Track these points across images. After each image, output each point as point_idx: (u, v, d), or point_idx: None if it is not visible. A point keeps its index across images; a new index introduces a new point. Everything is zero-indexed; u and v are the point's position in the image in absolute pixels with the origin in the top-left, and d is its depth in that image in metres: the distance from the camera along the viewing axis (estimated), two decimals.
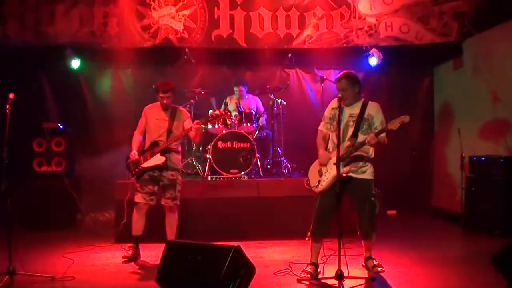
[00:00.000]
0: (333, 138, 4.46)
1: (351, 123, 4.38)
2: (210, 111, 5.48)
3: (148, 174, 5.13)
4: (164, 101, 5.17)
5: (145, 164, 5.12)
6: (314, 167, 4.54)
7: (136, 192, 5.18)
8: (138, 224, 5.18)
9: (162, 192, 5.17)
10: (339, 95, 4.31)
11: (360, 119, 4.36)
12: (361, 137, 4.31)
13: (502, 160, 6.06)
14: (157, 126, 5.20)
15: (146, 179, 5.13)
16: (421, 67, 8.14)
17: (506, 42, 6.29)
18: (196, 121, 5.17)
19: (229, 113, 5.68)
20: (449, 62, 7.64)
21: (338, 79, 4.45)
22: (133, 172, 5.18)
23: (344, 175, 4.22)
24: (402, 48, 7.20)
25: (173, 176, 5.16)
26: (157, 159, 5.08)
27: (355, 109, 4.41)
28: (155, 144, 5.16)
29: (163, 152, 5.10)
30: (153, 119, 5.23)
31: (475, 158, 6.48)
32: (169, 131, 5.18)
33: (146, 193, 5.12)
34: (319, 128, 4.61)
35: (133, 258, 5.07)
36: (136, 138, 5.30)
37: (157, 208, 5.23)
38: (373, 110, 4.41)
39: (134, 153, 5.17)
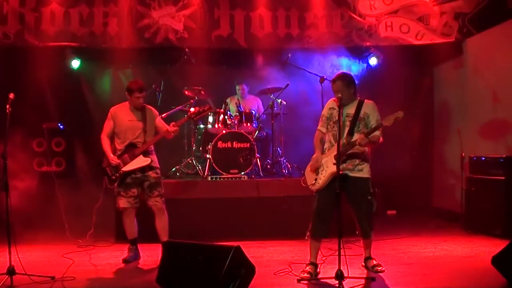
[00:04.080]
0: (329, 137, 4.47)
1: (347, 122, 4.37)
2: (192, 109, 5.31)
3: (131, 177, 5.01)
4: (140, 101, 5.05)
5: (127, 168, 4.99)
6: None
7: (119, 197, 5.05)
8: (131, 228, 5.14)
9: (148, 192, 5.04)
10: (339, 95, 4.31)
11: (355, 118, 4.36)
12: (356, 136, 4.31)
13: (502, 160, 6.06)
14: (132, 128, 5.06)
15: (130, 182, 5.03)
16: (421, 67, 8.14)
17: (506, 42, 6.29)
18: (172, 124, 5.06)
19: (208, 108, 5.28)
20: (449, 62, 7.64)
21: (333, 81, 4.46)
22: (113, 177, 5.02)
23: (340, 172, 4.21)
24: (402, 48, 7.19)
25: (157, 174, 5.12)
26: (142, 161, 4.99)
27: (351, 108, 4.41)
28: (132, 146, 5.03)
29: (145, 154, 5.02)
30: (125, 121, 5.07)
31: (475, 158, 6.47)
32: (144, 131, 5.07)
33: (130, 197, 5.03)
34: (318, 128, 4.59)
35: (133, 259, 5.06)
36: (107, 141, 5.10)
37: None
38: (369, 108, 4.41)
39: (114, 158, 5.00)
